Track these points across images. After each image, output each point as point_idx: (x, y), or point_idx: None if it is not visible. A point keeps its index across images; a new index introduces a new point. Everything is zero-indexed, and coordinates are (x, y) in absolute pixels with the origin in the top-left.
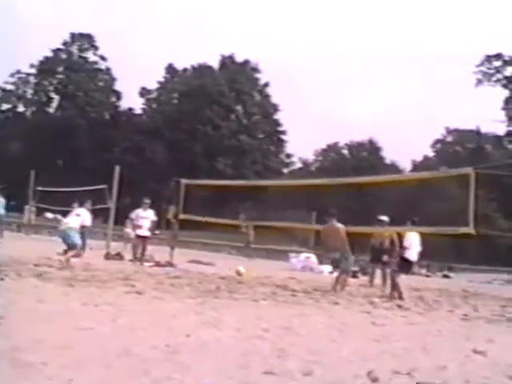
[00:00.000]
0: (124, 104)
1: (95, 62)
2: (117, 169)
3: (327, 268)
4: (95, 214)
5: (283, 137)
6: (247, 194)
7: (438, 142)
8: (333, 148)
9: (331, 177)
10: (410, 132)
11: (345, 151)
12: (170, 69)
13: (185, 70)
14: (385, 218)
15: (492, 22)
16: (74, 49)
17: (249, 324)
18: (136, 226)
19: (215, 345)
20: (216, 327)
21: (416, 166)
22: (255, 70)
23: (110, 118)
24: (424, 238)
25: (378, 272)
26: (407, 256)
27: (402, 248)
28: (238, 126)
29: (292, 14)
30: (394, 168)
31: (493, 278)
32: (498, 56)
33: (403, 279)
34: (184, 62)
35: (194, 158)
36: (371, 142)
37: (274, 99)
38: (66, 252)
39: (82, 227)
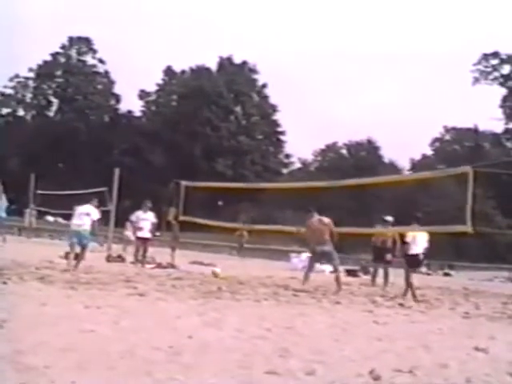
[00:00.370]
0: (123, 107)
1: (94, 66)
2: (116, 171)
3: (328, 267)
4: None
5: (282, 137)
6: (247, 195)
7: (436, 140)
8: (332, 148)
9: (330, 176)
10: (408, 131)
11: (344, 151)
12: (169, 71)
13: (183, 72)
14: (389, 218)
15: (489, 21)
16: (73, 52)
17: (251, 324)
18: (137, 228)
19: (218, 345)
20: (218, 328)
21: (415, 165)
22: (253, 71)
23: (110, 121)
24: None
25: (381, 271)
26: (412, 252)
27: (405, 244)
28: (237, 127)
29: (289, 14)
30: (392, 167)
31: (493, 275)
32: (495, 54)
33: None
34: (182, 64)
35: (193, 159)
36: (370, 142)
37: (273, 100)
38: (77, 256)
39: (93, 223)
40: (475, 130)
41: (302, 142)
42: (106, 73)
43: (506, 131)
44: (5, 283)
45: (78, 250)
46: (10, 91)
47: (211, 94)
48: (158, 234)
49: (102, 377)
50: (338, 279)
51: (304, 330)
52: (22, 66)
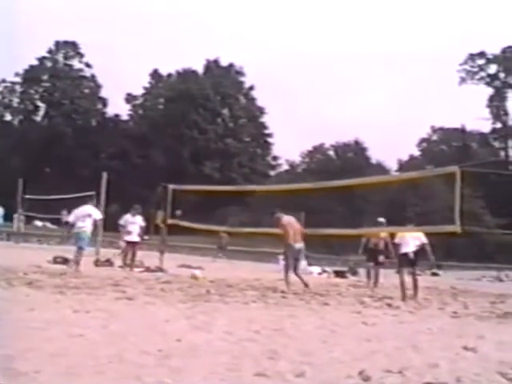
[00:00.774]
0: (110, 111)
1: (80, 70)
2: (104, 175)
3: (316, 269)
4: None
5: (269, 139)
6: (235, 197)
7: (423, 141)
8: (319, 149)
9: (318, 178)
10: (395, 132)
11: (331, 152)
12: (155, 74)
13: (170, 75)
14: (382, 219)
15: (475, 21)
16: (60, 57)
17: (240, 327)
18: (125, 232)
19: (207, 348)
20: (207, 331)
21: (402, 166)
22: (240, 73)
23: (97, 125)
24: None
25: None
26: (402, 251)
27: (395, 245)
28: (225, 129)
29: (276, 17)
30: (380, 168)
31: (482, 274)
32: (482, 54)
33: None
34: (169, 67)
35: (181, 162)
36: (357, 143)
37: (260, 102)
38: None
39: (95, 222)
40: (462, 130)
41: (289, 144)
42: (93, 77)
43: (494, 131)
44: None
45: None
46: None
47: (198, 97)
48: (146, 237)
49: (92, 381)
50: (301, 277)
51: (293, 332)
52: (8, 70)
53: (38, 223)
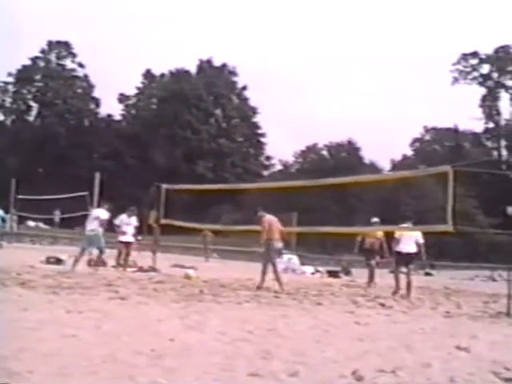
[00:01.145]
0: (103, 110)
1: (73, 70)
2: (97, 175)
3: (309, 269)
4: (77, 221)
5: (262, 139)
6: (228, 196)
7: (416, 140)
8: (312, 149)
9: (311, 178)
10: (388, 132)
11: (324, 152)
12: (148, 74)
13: (162, 75)
14: (376, 219)
15: (468, 21)
16: (52, 56)
17: (233, 327)
18: (120, 233)
19: (200, 348)
20: (200, 331)
21: (395, 166)
22: (233, 73)
23: (90, 125)
24: None
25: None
26: (398, 249)
27: (394, 240)
28: (218, 129)
29: (269, 17)
30: (373, 168)
31: (474, 274)
32: (474, 54)
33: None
34: (162, 67)
35: (174, 162)
36: (350, 143)
37: (253, 102)
38: (90, 261)
39: (100, 221)
40: (455, 130)
41: (282, 144)
42: (86, 77)
43: (486, 131)
44: None
45: (94, 254)
46: None
47: (191, 97)
48: (139, 237)
49: (85, 381)
50: (278, 277)
51: (286, 332)
52: (1, 70)
53: (31, 223)
